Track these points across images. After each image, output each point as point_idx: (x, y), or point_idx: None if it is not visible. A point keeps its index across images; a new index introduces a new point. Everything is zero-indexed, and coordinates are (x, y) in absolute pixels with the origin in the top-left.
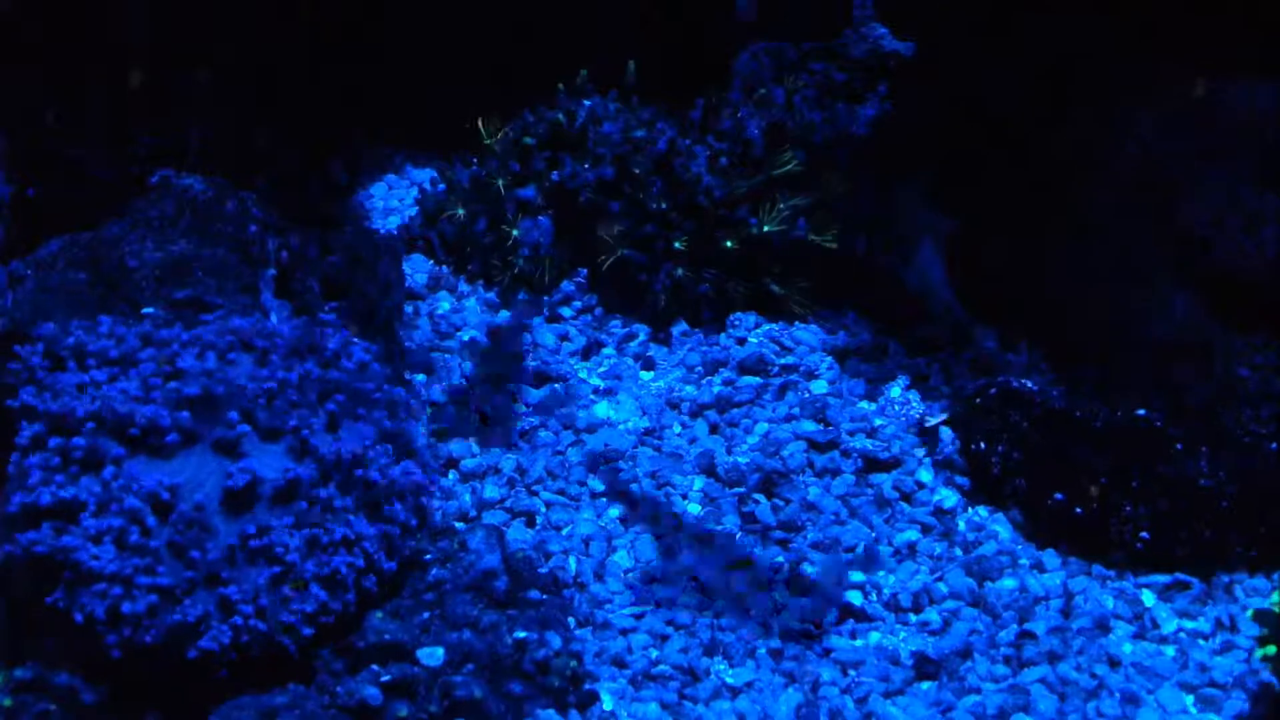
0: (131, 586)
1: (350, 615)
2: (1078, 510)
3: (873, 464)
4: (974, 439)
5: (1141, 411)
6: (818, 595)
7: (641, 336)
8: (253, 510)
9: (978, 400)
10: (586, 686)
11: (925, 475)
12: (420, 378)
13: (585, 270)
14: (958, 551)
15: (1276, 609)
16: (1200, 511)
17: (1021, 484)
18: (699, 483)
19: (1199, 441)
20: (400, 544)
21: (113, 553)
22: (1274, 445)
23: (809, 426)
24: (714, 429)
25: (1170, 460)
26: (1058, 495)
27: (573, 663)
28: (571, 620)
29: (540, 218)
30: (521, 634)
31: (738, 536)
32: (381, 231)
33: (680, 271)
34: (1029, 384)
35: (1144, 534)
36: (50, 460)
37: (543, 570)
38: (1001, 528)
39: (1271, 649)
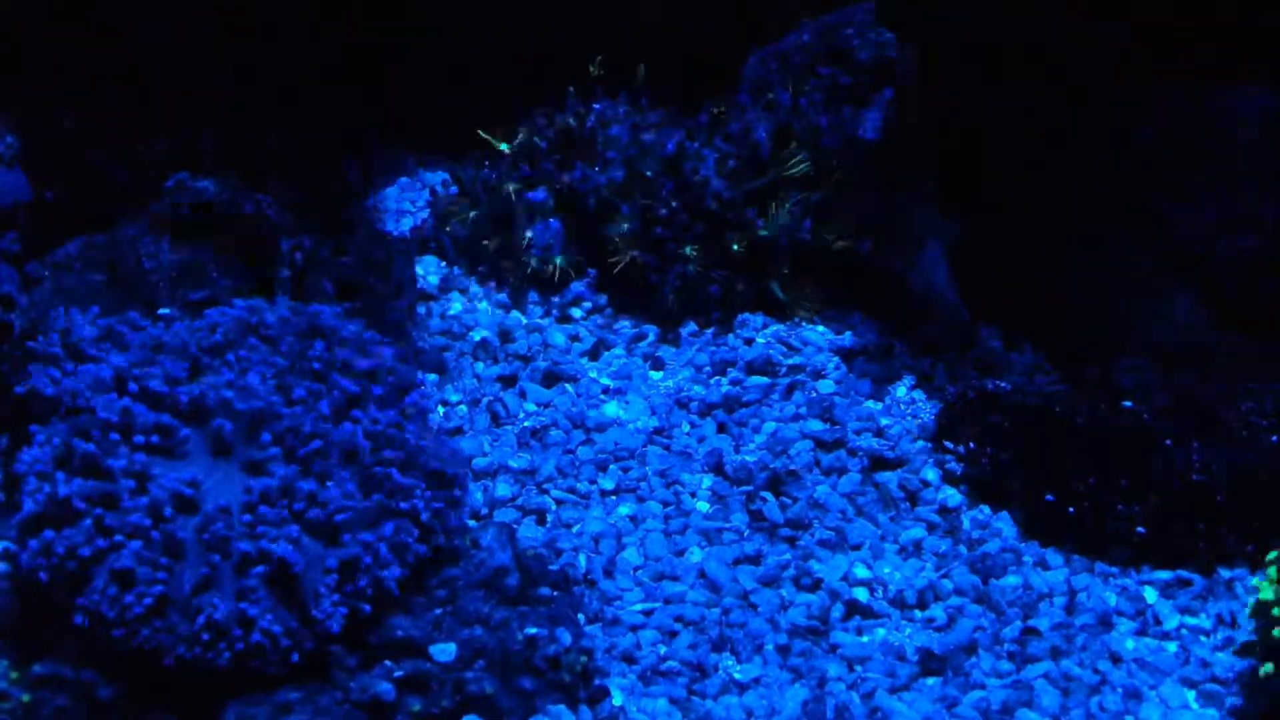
0: (145, 583)
1: (367, 619)
2: (1070, 510)
3: (879, 463)
4: (963, 440)
5: (1129, 404)
6: (824, 592)
7: (651, 337)
8: (271, 508)
9: (958, 405)
10: (597, 682)
11: (930, 474)
12: (433, 377)
13: (595, 271)
14: (962, 549)
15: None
16: (1195, 507)
17: (1015, 486)
18: (707, 481)
19: (1190, 437)
20: (418, 545)
21: (130, 549)
22: (1275, 438)
23: (816, 426)
24: (722, 428)
25: (1160, 456)
26: (1048, 497)
27: (583, 659)
28: (581, 617)
29: (551, 220)
30: (532, 630)
31: (745, 534)
32: (394, 233)
33: (691, 269)
34: (1004, 385)
35: (1140, 529)
36: (63, 455)
37: (553, 567)
38: (1005, 526)
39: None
